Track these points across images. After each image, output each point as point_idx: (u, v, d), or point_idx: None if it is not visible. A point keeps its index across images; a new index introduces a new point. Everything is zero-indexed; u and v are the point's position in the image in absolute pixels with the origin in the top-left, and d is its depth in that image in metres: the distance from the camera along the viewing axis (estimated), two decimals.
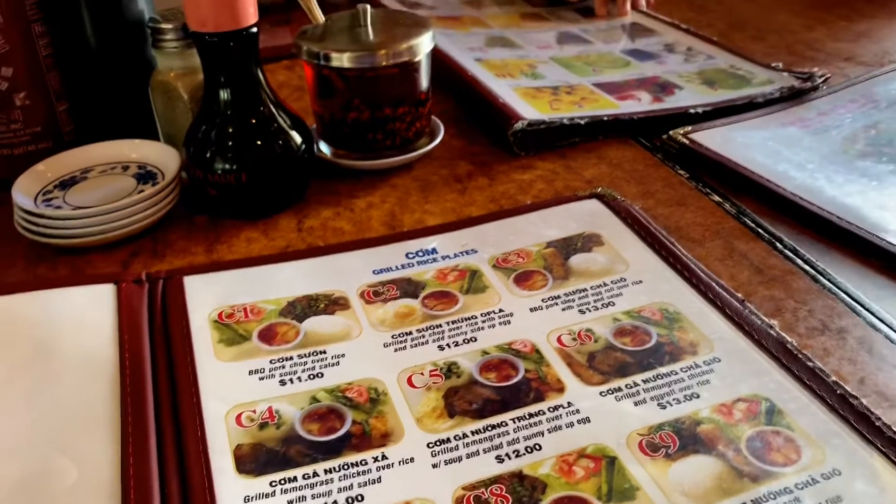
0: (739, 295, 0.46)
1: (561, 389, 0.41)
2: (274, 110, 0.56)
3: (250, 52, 0.54)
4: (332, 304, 0.47)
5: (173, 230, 0.57)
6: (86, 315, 0.45)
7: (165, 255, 0.54)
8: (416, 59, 0.61)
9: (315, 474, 0.36)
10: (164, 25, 0.58)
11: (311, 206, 0.59)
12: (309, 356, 0.43)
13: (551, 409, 0.39)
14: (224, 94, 0.55)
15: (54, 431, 0.38)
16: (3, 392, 0.40)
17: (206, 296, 0.47)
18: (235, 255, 0.54)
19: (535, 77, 0.78)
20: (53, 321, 0.44)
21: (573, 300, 0.47)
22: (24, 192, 0.55)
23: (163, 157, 0.59)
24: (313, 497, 0.35)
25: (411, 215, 0.58)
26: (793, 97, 0.72)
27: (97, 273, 0.52)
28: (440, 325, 0.46)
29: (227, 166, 0.55)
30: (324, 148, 0.64)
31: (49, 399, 0.40)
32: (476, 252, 0.52)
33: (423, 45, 0.61)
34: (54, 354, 0.42)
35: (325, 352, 0.44)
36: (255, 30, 0.54)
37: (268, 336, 0.45)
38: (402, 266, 0.51)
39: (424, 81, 0.63)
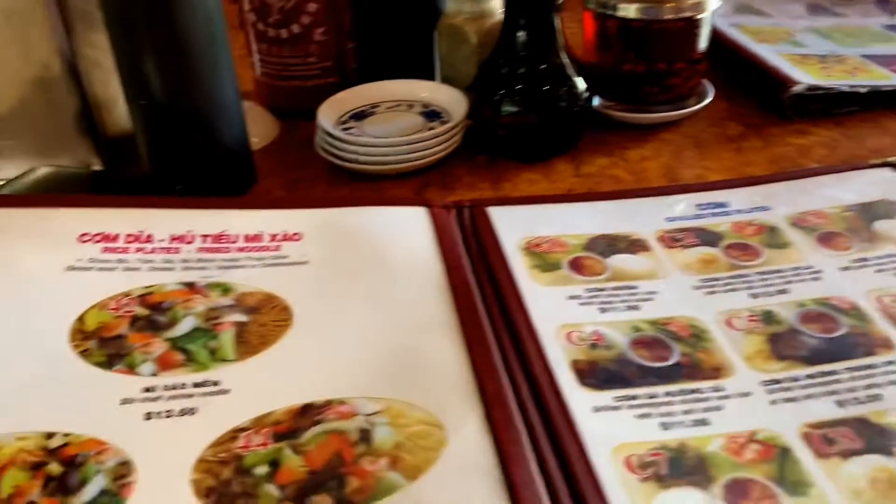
0: None
1: (889, 346, 0.40)
2: (564, 56, 0.58)
3: None
4: (631, 244, 0.48)
5: (457, 167, 0.59)
6: (407, 231, 0.48)
7: (454, 188, 0.57)
8: (702, 16, 0.60)
9: (655, 395, 0.37)
10: None
11: (584, 154, 0.60)
12: (622, 289, 0.44)
13: (885, 364, 0.39)
14: (521, 37, 0.57)
15: (400, 327, 0.41)
16: (350, 289, 0.43)
17: (510, 226, 0.49)
18: (521, 194, 0.56)
19: (795, 45, 0.75)
20: (381, 234, 0.48)
21: (884, 264, 0.46)
22: (326, 118, 0.59)
23: (450, 98, 0.61)
24: (660, 416, 0.36)
25: (690, 170, 0.58)
26: None
27: (397, 197, 0.55)
28: (748, 275, 0.46)
29: (518, 108, 0.57)
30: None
31: (389, 299, 0.43)
32: (769, 209, 0.52)
33: (710, 2, 0.60)
34: (387, 262, 0.45)
35: (636, 287, 0.45)
36: None
37: (577, 266, 0.46)
38: (695, 216, 0.51)
39: (705, 38, 0.62)
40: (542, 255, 0.47)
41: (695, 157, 0.60)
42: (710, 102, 0.64)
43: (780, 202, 0.52)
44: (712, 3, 0.60)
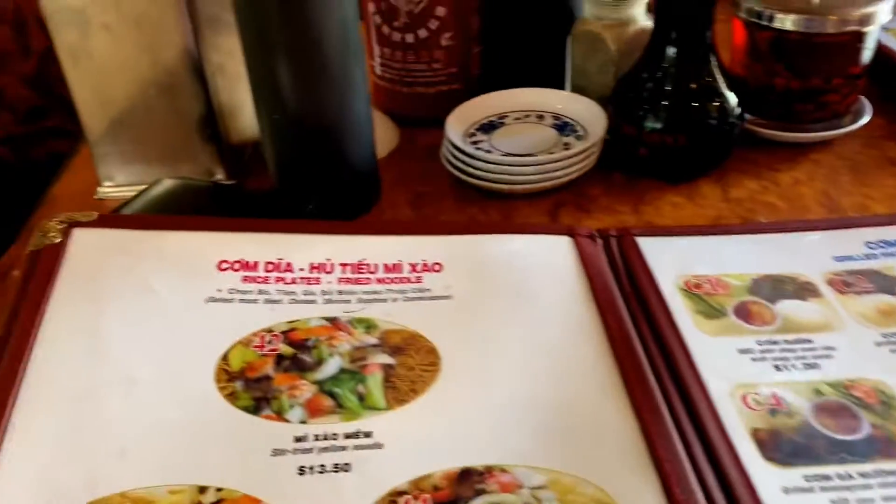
0: None
1: None
2: (718, 73, 0.53)
3: (706, 10, 0.51)
4: (800, 288, 0.44)
5: (592, 185, 0.56)
6: (552, 264, 0.45)
7: (590, 210, 0.53)
8: (868, 29, 0.55)
9: (850, 476, 0.34)
10: None
11: (731, 175, 0.56)
12: (795, 343, 0.41)
13: None
14: (670, 52, 0.53)
15: (556, 380, 0.38)
16: (498, 330, 0.41)
17: (664, 260, 0.46)
18: (665, 220, 0.52)
19: None
20: (524, 265, 0.45)
21: None
22: (454, 131, 0.57)
23: (586, 111, 0.58)
24: (857, 502, 0.33)
25: (849, 198, 0.53)
26: None
27: (536, 223, 0.52)
28: None
29: (663, 126, 0.53)
30: None
31: (541, 345, 0.40)
32: None
33: (879, 14, 0.55)
34: (534, 300, 0.43)
35: (811, 340, 0.41)
36: None
37: (744, 314, 0.42)
38: (866, 256, 0.47)
39: (869, 53, 0.57)
40: (705, 299, 0.43)
41: (853, 183, 0.55)
42: (868, 121, 0.59)
43: None
44: (882, 16, 0.55)
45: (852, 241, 0.48)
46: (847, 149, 0.59)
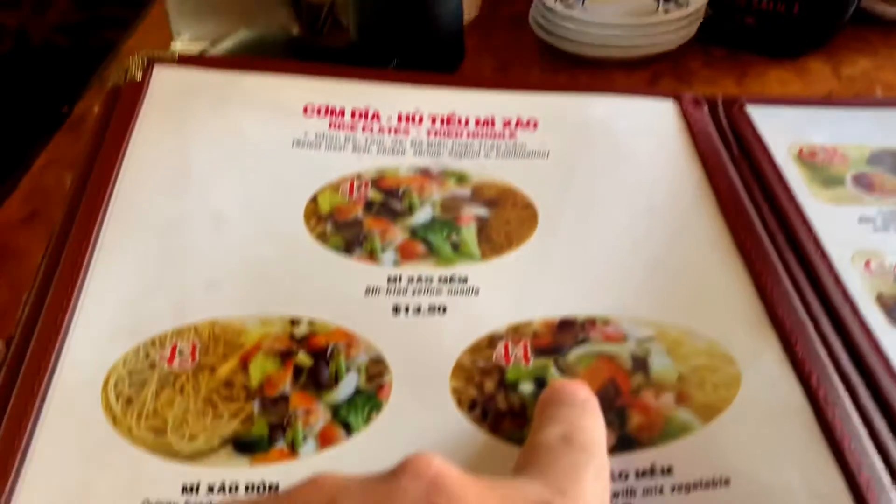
0: None
1: None
2: None
3: None
4: None
5: (691, 58, 0.52)
6: (655, 127, 0.42)
7: (691, 82, 0.50)
8: None
9: None
10: None
11: (841, 52, 0.52)
12: None
13: None
14: None
15: (662, 239, 0.36)
16: (599, 189, 0.38)
17: (776, 129, 0.42)
18: (772, 95, 0.48)
19: None
20: (626, 127, 0.42)
21: None
22: None
23: None
24: None
25: None
26: None
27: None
28: None
29: None
30: None
31: (645, 205, 0.37)
32: None
33: None
34: (636, 161, 0.40)
35: None
36: None
37: (865, 184, 0.39)
38: None
39: None
40: (820, 168, 0.40)
41: None
42: None
43: None
44: None
45: None
46: None
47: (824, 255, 0.34)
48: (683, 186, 0.38)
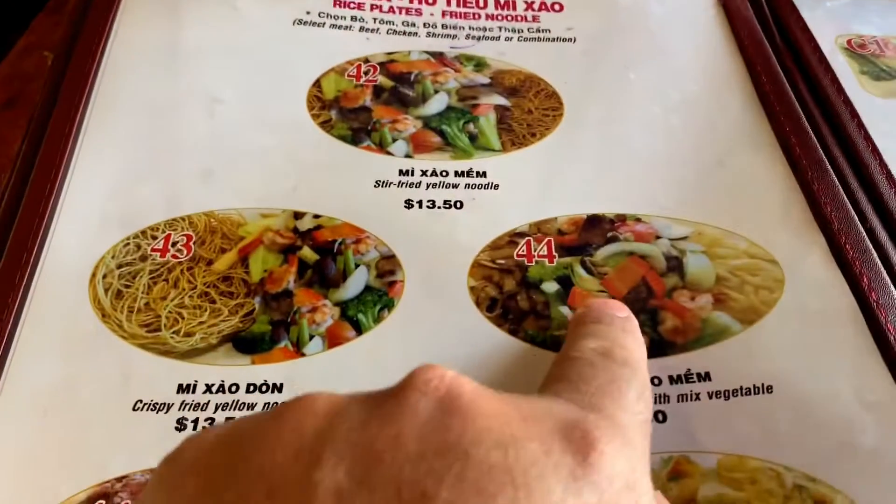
0: None
1: None
2: None
3: None
4: None
5: None
6: (691, 14, 0.38)
7: None
8: None
9: None
10: None
11: None
12: None
13: None
14: None
15: (701, 135, 0.33)
16: (631, 79, 0.35)
17: (822, 18, 0.39)
18: None
19: None
20: (659, 13, 0.38)
21: None
22: None
23: None
24: None
25: None
26: None
27: None
28: None
29: None
30: None
31: (682, 98, 0.34)
32: None
33: None
34: (672, 50, 0.36)
35: None
36: None
37: None
38: None
39: None
40: (871, 59, 0.37)
41: None
42: None
43: None
44: None
45: None
46: None
47: (875, 151, 0.32)
48: (721, 77, 0.35)
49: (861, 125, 0.33)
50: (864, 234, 0.28)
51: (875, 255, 0.28)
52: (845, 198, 0.30)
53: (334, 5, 0.36)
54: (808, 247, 0.28)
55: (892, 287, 0.27)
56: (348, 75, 0.34)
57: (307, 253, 0.28)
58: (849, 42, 0.37)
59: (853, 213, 0.29)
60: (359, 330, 0.26)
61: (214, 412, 0.23)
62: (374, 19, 0.36)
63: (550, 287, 0.27)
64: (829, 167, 0.31)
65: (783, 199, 0.30)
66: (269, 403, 0.24)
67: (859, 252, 0.28)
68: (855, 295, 0.26)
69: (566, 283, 0.27)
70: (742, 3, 0.39)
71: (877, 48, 0.37)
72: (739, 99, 0.34)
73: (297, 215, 0.29)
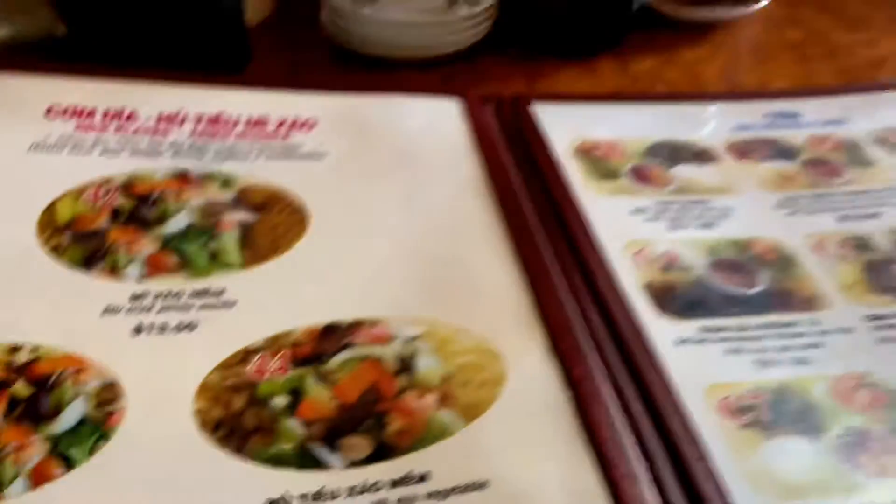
0: None
1: None
2: None
3: None
4: (698, 154, 0.42)
5: (486, 59, 0.52)
6: (438, 125, 0.41)
7: (484, 81, 0.49)
8: None
9: (745, 328, 0.32)
10: None
11: (630, 53, 0.53)
12: (692, 204, 0.38)
13: None
14: None
15: (438, 236, 0.34)
16: (376, 189, 0.36)
17: (560, 126, 0.42)
18: (561, 92, 0.49)
19: None
20: (408, 127, 0.40)
21: None
22: None
23: None
24: (754, 352, 0.31)
25: (751, 75, 0.51)
26: None
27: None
28: (833, 195, 0.40)
29: None
30: None
31: (423, 203, 0.36)
32: (845, 123, 0.45)
33: None
34: (417, 160, 0.38)
35: (708, 202, 0.38)
36: None
37: (640, 176, 0.40)
38: (766, 126, 0.45)
39: None
40: (599, 161, 0.40)
41: (754, 63, 0.53)
42: (767, 5, 0.57)
43: (858, 116, 0.46)
44: None
45: (752, 112, 0.46)
46: (749, 31, 0.57)
47: (594, 247, 0.34)
48: (463, 184, 0.37)
49: (583, 222, 0.35)
50: (582, 326, 0.30)
51: (590, 346, 0.30)
52: (568, 294, 0.32)
53: (76, 129, 0.36)
54: (529, 343, 0.30)
55: (604, 376, 0.28)
56: (85, 198, 0.33)
57: (20, 388, 0.26)
58: (581, 146, 0.41)
59: (574, 307, 0.31)
60: (70, 465, 0.25)
61: None
62: (118, 141, 0.36)
63: (280, 401, 0.27)
64: (555, 266, 0.33)
65: (512, 298, 0.32)
66: None
67: (573, 346, 0.29)
68: (568, 387, 0.28)
69: (298, 394, 0.27)
70: (486, 115, 0.42)
71: (604, 150, 0.41)
72: (477, 205, 0.36)
73: (15, 348, 0.27)
